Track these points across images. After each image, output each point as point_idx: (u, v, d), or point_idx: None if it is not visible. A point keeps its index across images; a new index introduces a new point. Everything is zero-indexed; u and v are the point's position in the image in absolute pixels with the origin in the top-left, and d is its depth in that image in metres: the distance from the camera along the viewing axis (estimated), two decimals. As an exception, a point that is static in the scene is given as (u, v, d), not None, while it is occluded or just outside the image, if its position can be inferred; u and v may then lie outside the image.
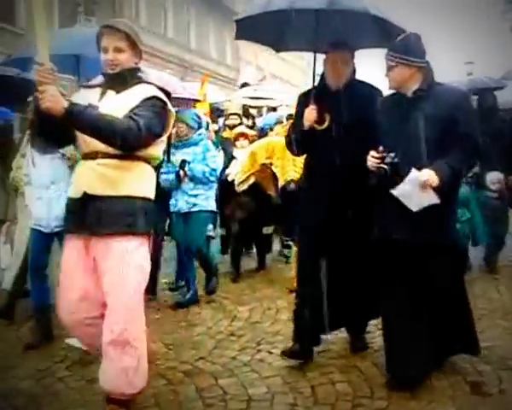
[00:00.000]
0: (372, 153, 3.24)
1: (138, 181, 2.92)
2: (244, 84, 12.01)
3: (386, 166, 3.16)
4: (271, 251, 6.92)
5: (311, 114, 3.63)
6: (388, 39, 3.68)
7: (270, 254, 6.99)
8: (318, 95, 3.71)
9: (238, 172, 6.07)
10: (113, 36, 2.94)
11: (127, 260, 2.85)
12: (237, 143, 6.59)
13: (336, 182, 3.59)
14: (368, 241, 3.63)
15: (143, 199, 2.94)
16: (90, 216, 2.84)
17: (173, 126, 5.34)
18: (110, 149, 2.80)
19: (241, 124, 7.27)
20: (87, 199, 2.85)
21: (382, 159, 3.17)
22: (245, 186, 6.01)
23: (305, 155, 4.01)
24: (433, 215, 3.16)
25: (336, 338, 4.03)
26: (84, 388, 3.45)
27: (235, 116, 7.20)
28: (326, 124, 3.64)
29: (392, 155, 3.16)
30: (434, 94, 3.28)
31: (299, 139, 3.80)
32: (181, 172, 5.17)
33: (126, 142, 2.76)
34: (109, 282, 2.85)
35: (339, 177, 3.57)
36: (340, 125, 3.62)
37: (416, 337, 3.27)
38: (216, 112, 8.13)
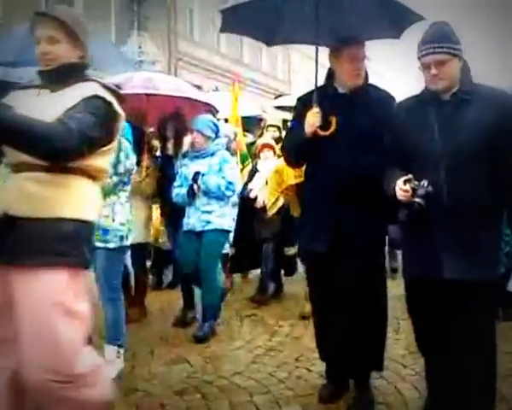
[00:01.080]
0: (400, 184, 2.63)
1: (74, 200, 2.35)
2: (279, 96, 11.76)
3: (420, 200, 2.57)
4: (294, 274, 6.15)
5: (314, 117, 3.14)
6: (401, 28, 3.27)
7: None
8: (323, 97, 3.23)
9: (261, 193, 5.52)
10: (45, 24, 2.41)
11: (52, 299, 2.22)
12: (261, 154, 6.02)
13: (342, 198, 3.12)
14: (380, 267, 3.35)
15: (80, 222, 2.34)
16: (10, 243, 2.25)
17: (183, 135, 5.19)
18: (39, 161, 2.23)
19: (280, 138, 6.69)
20: (8, 221, 2.26)
21: (414, 190, 2.58)
22: (274, 210, 5.37)
23: (304, 167, 3.53)
24: (486, 249, 2.61)
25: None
26: (118, 398, 3.39)
27: (275, 128, 6.64)
28: (331, 130, 3.16)
29: (425, 183, 2.57)
30: (480, 98, 2.65)
31: (298, 147, 3.31)
32: (194, 186, 4.62)
33: (52, 150, 2.17)
34: (25, 327, 2.21)
35: (345, 192, 3.12)
36: (350, 133, 3.12)
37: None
38: (256, 122, 7.75)
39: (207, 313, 4.69)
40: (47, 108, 2.28)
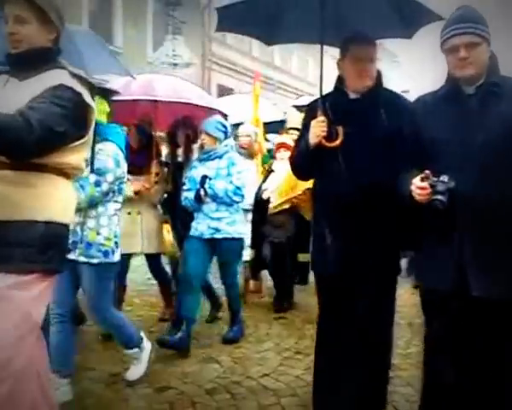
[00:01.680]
0: (416, 182, 2.34)
1: (45, 201, 2.15)
2: (301, 96, 11.72)
3: (440, 197, 2.29)
4: (307, 283, 5.85)
5: (319, 127, 2.84)
6: (413, 28, 3.10)
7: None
8: (331, 103, 2.96)
9: (274, 194, 5.32)
10: (12, 2, 2.18)
11: (5, 297, 2.05)
12: (277, 154, 5.77)
13: (351, 215, 2.82)
14: (388, 300, 2.97)
15: (51, 224, 2.15)
16: None
17: (193, 141, 5.07)
18: (3, 158, 2.03)
19: None
20: None
21: (433, 187, 2.31)
22: (277, 209, 5.28)
23: (313, 181, 3.25)
24: None
25: (398, 363, 3.93)
26: (152, 396, 3.56)
27: (295, 131, 6.25)
28: (339, 141, 2.84)
29: (445, 178, 2.30)
30: (509, 91, 2.38)
31: (303, 159, 3.02)
32: (201, 191, 4.45)
33: (8, 144, 1.94)
34: None
35: (354, 208, 2.80)
36: (359, 143, 2.81)
37: None
38: (281, 126, 7.63)
39: (234, 317, 4.80)
40: (13, 98, 2.07)
